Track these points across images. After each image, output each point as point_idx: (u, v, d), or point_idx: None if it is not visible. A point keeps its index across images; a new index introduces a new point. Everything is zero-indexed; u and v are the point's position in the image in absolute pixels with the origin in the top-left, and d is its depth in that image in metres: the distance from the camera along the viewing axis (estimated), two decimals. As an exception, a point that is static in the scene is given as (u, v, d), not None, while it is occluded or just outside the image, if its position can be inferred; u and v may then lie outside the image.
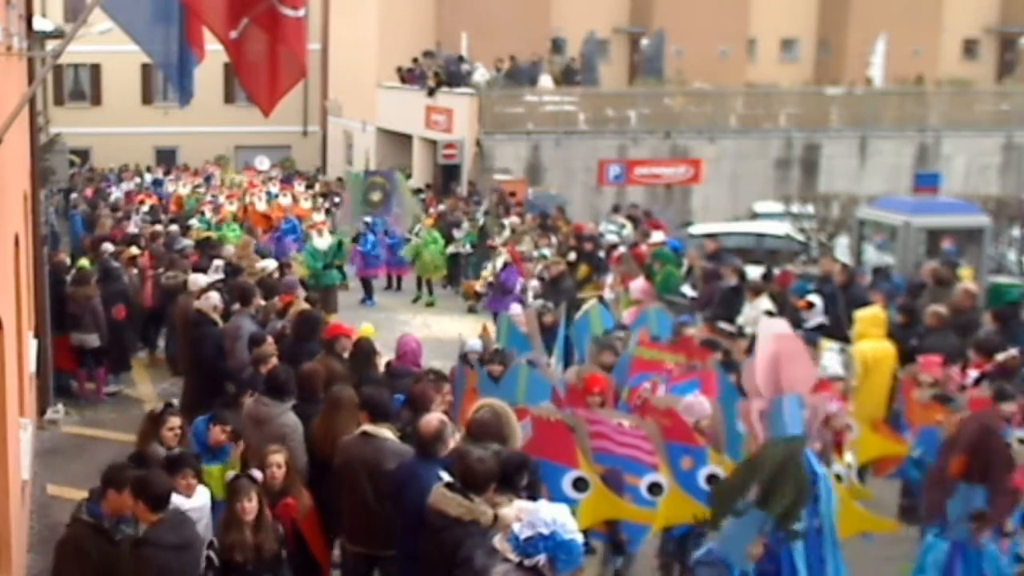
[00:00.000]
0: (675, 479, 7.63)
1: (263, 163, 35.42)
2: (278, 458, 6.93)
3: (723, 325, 12.34)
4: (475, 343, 10.28)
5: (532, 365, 9.12)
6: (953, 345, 10.87)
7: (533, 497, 5.68)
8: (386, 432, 7.10)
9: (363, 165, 35.28)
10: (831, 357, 10.34)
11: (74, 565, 6.02)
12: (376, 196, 16.87)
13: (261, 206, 25.91)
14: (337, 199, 29.46)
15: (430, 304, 20.20)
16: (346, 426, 7.49)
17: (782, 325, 6.80)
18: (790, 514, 6.04)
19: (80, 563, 5.99)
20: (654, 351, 9.64)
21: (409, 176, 30.14)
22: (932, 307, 11.67)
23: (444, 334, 15.94)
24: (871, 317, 11.20)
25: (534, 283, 16.78)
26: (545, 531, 4.47)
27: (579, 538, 4.53)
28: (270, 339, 9.86)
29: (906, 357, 10.82)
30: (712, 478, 7.82)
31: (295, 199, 28.29)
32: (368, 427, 7.10)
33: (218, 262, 14.83)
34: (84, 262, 15.25)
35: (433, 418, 6.73)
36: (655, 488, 7.29)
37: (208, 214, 24.45)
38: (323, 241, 17.62)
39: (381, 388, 7.69)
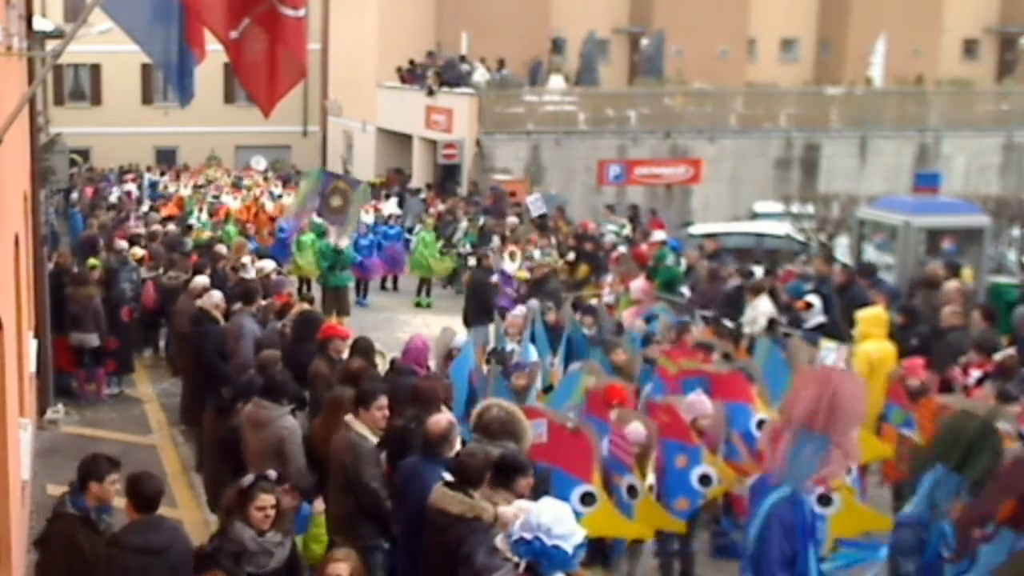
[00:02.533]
0: (664, 478, 7.77)
1: (259, 163, 35.34)
2: (342, 569, 5.46)
3: (727, 323, 12.36)
4: (460, 339, 10.29)
5: (514, 369, 9.24)
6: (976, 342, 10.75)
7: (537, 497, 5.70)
8: (359, 427, 7.15)
9: (341, 167, 35.21)
10: (832, 357, 10.31)
11: (64, 559, 5.99)
12: (336, 202, 16.40)
13: (270, 206, 25.87)
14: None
15: (427, 305, 20.19)
16: (347, 428, 7.53)
17: (841, 372, 6.55)
18: (983, 478, 6.30)
19: (71, 556, 5.96)
20: (676, 361, 9.66)
21: (399, 175, 29.81)
22: (949, 307, 11.62)
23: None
24: (873, 317, 11.17)
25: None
26: (528, 536, 4.45)
27: (568, 545, 4.46)
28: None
29: (907, 358, 10.79)
30: (704, 478, 7.86)
31: (295, 199, 28.25)
32: (349, 418, 7.22)
33: (245, 259, 14.94)
34: (94, 261, 15.25)
35: (443, 418, 6.77)
36: (587, 498, 7.27)
37: (204, 215, 24.43)
38: (344, 240, 17.47)
39: (374, 383, 7.78)
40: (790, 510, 6.07)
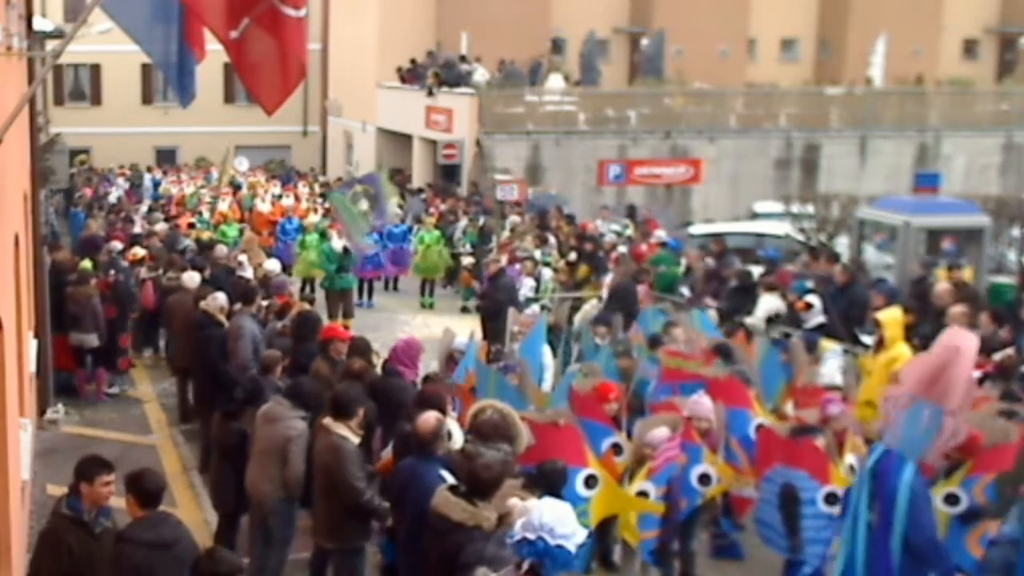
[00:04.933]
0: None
1: (242, 163, 35.23)
2: None
3: (741, 319, 12.36)
4: (462, 340, 10.29)
5: (504, 371, 9.33)
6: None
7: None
8: (341, 428, 7.21)
9: (355, 169, 35.23)
10: (831, 364, 10.25)
11: (51, 557, 6.08)
12: (364, 205, 16.31)
13: (265, 208, 25.87)
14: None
15: (429, 305, 20.16)
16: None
17: (967, 338, 6.31)
18: None
19: (57, 555, 6.04)
20: (677, 359, 9.63)
21: (399, 175, 29.80)
22: (956, 307, 11.59)
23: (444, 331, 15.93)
24: (899, 320, 11.06)
25: (530, 282, 16.80)
26: (531, 536, 4.44)
27: (571, 544, 4.43)
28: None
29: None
30: (703, 478, 7.87)
31: (298, 200, 28.34)
32: (327, 421, 7.27)
33: (242, 258, 14.92)
34: (86, 263, 15.25)
35: (431, 416, 6.78)
36: (591, 480, 7.42)
37: (206, 214, 24.44)
38: (340, 243, 17.39)
39: (352, 385, 7.93)
40: (922, 481, 6.22)
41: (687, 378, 9.20)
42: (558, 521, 4.45)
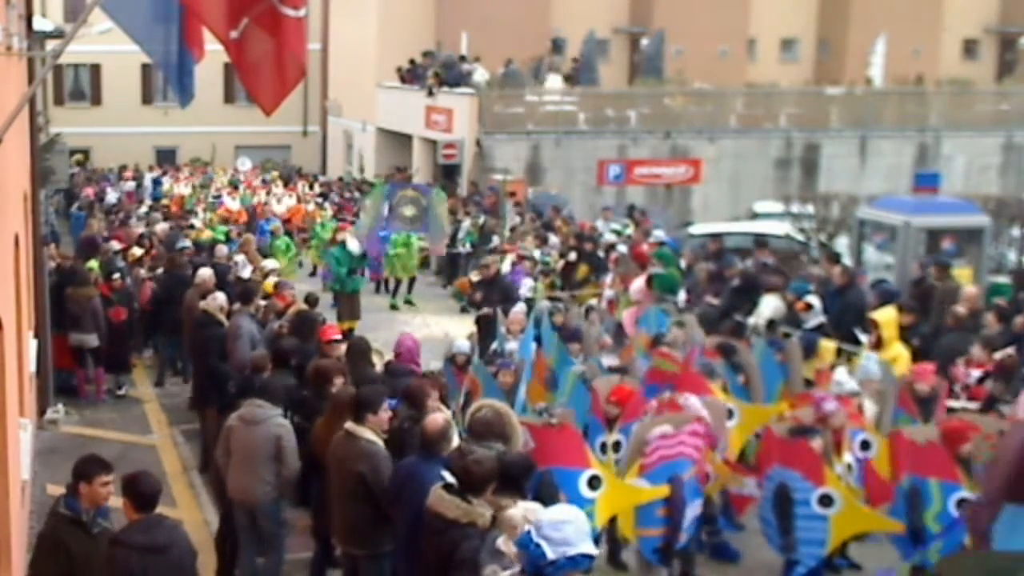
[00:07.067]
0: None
1: (244, 164, 35.25)
2: None
3: (738, 318, 12.33)
4: (463, 344, 10.29)
5: (496, 370, 9.32)
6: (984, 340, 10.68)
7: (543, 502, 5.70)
8: (367, 433, 7.07)
9: (359, 168, 35.24)
10: (874, 368, 10.13)
11: (50, 558, 6.06)
12: (410, 211, 16.10)
13: (280, 208, 25.82)
14: (337, 199, 29.40)
15: (407, 302, 20.09)
16: (347, 427, 7.53)
17: None
18: None
19: (56, 556, 6.02)
20: (666, 361, 9.63)
21: (400, 174, 29.67)
22: (954, 308, 11.57)
23: (444, 334, 15.96)
24: (894, 320, 11.02)
25: (530, 282, 16.79)
26: (529, 528, 4.43)
27: (549, 548, 4.36)
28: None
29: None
30: (704, 476, 7.90)
31: (299, 199, 28.35)
32: (350, 426, 7.15)
33: (239, 258, 14.90)
34: (93, 263, 15.26)
35: (439, 417, 6.79)
36: (594, 481, 7.36)
37: (201, 215, 24.44)
38: (355, 244, 17.30)
39: (376, 387, 7.70)
40: None
41: (666, 379, 9.20)
42: (552, 523, 4.43)
